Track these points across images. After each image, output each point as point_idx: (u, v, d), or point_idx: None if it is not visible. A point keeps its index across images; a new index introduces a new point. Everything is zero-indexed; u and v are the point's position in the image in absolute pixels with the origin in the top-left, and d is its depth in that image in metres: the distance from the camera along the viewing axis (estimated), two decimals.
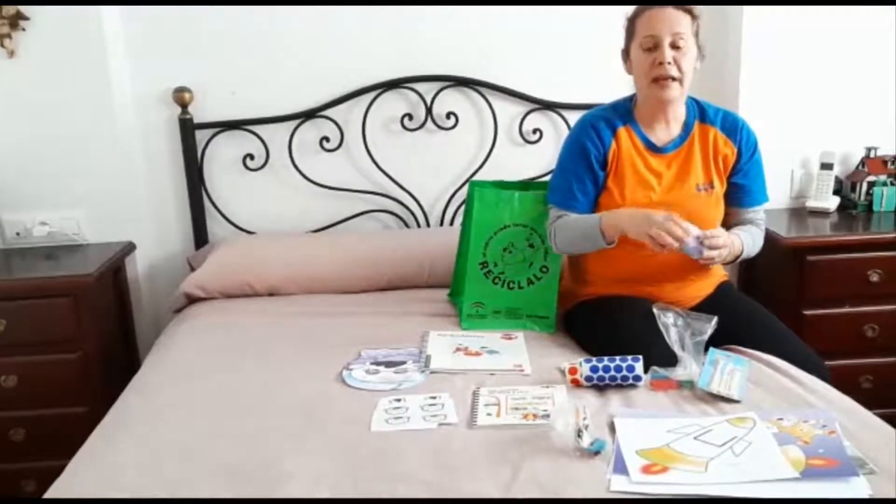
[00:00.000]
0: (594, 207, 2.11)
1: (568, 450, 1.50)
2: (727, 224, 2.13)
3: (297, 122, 2.76)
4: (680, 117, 2.09)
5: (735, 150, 2.08)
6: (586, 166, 2.07)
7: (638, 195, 2.06)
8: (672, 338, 1.81)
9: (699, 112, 2.10)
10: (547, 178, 2.27)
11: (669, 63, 1.96)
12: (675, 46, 1.97)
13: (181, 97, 2.66)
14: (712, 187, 2.07)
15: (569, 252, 2.17)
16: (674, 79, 1.97)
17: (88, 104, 2.59)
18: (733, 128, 2.09)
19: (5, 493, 2.40)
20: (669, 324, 1.82)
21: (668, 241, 1.84)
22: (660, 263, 2.08)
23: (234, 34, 2.70)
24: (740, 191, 2.11)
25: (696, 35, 2.01)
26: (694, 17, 2.00)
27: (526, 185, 2.36)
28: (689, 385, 1.77)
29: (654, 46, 1.98)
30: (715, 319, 1.81)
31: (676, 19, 1.97)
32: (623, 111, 2.10)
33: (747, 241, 2.07)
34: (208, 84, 2.71)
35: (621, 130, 2.08)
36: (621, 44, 2.09)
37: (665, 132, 2.08)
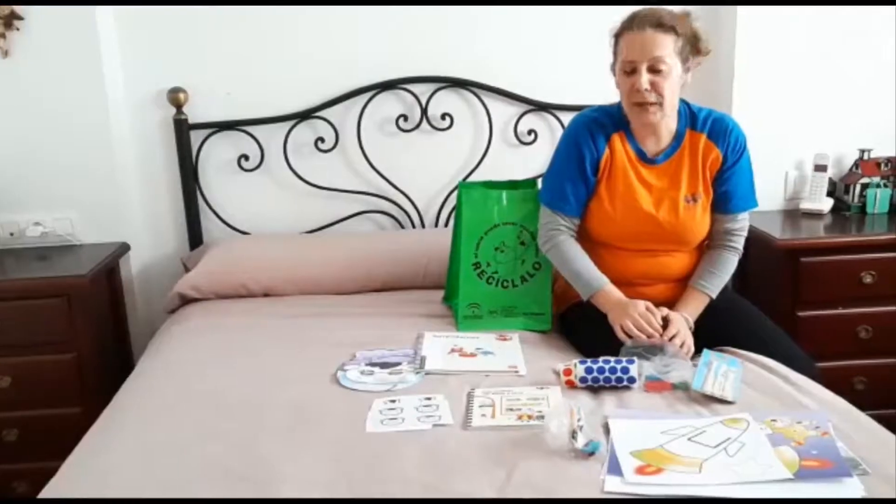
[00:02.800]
0: (583, 212, 2.12)
1: (562, 451, 1.50)
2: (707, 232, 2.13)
3: (292, 122, 2.76)
4: (671, 127, 2.07)
5: (721, 155, 2.05)
6: (580, 169, 2.07)
7: (628, 206, 2.06)
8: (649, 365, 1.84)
9: (690, 119, 2.07)
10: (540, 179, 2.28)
11: (647, 90, 1.94)
12: (653, 70, 1.94)
13: (176, 98, 2.65)
14: (696, 200, 2.07)
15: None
16: (652, 103, 1.95)
17: (83, 104, 2.58)
18: (721, 132, 2.06)
19: None
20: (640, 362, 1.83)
21: (636, 334, 1.92)
22: (653, 265, 2.10)
23: (229, 35, 2.69)
24: (722, 197, 2.09)
25: (682, 52, 1.96)
26: (678, 34, 1.94)
27: (514, 183, 2.36)
28: (683, 386, 1.77)
29: (632, 71, 1.96)
30: (675, 347, 1.88)
31: (655, 43, 1.92)
32: (617, 117, 2.08)
33: (711, 286, 2.07)
34: (203, 84, 2.71)
35: (615, 137, 2.07)
36: (610, 58, 2.07)
37: (655, 143, 2.07)
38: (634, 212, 2.06)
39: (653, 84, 1.94)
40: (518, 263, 2.25)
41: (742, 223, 2.13)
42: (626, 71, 1.97)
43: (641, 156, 2.07)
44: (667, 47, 1.93)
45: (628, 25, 1.97)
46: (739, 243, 2.13)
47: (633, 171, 2.07)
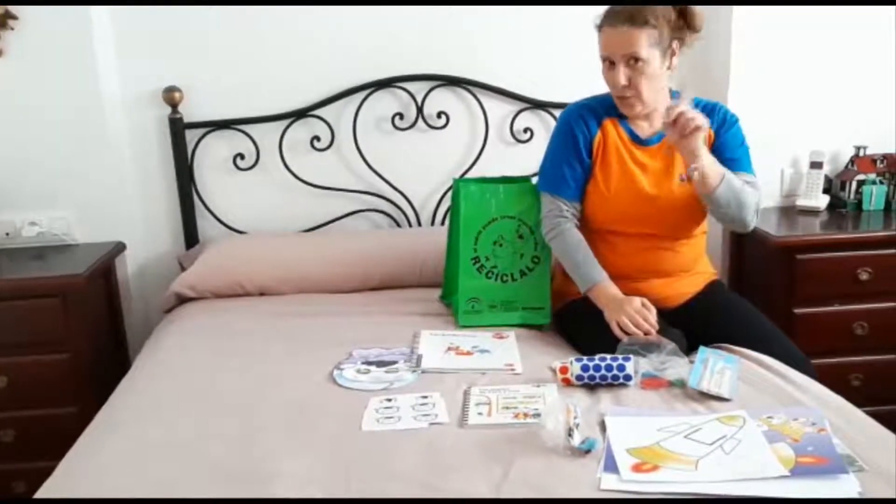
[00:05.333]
0: (582, 196, 2.13)
1: (559, 448, 1.50)
2: None
3: (287, 121, 2.76)
4: (663, 110, 2.08)
5: (712, 132, 2.07)
6: (575, 152, 2.10)
7: (624, 186, 2.08)
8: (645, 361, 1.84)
9: None
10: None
11: (625, 85, 1.98)
12: (630, 65, 1.97)
13: (171, 97, 2.65)
14: (690, 179, 2.06)
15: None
16: (630, 97, 1.99)
17: (78, 104, 2.58)
18: (711, 110, 2.08)
19: None
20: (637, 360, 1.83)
21: (632, 330, 1.91)
22: (649, 258, 2.10)
23: (224, 33, 2.69)
24: (721, 162, 2.02)
25: (661, 42, 1.95)
26: (653, 26, 1.94)
27: (508, 180, 2.36)
28: (679, 384, 1.77)
29: (610, 65, 2.00)
30: (671, 345, 1.86)
31: (628, 39, 1.94)
32: (608, 104, 2.11)
33: (733, 175, 1.99)
34: (198, 83, 2.70)
35: (607, 122, 2.10)
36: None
37: (648, 126, 2.10)
38: (630, 192, 2.07)
39: (630, 79, 1.97)
40: (517, 257, 2.24)
41: (751, 179, 2.07)
42: (606, 61, 2.01)
43: (634, 138, 2.10)
44: (640, 42, 1.94)
45: (606, 19, 2.00)
46: (756, 188, 2.06)
47: (628, 153, 2.09)
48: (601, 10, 2.03)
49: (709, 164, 1.94)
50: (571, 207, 2.13)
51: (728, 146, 2.08)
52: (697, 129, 1.88)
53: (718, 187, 1.96)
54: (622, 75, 1.97)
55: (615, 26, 1.96)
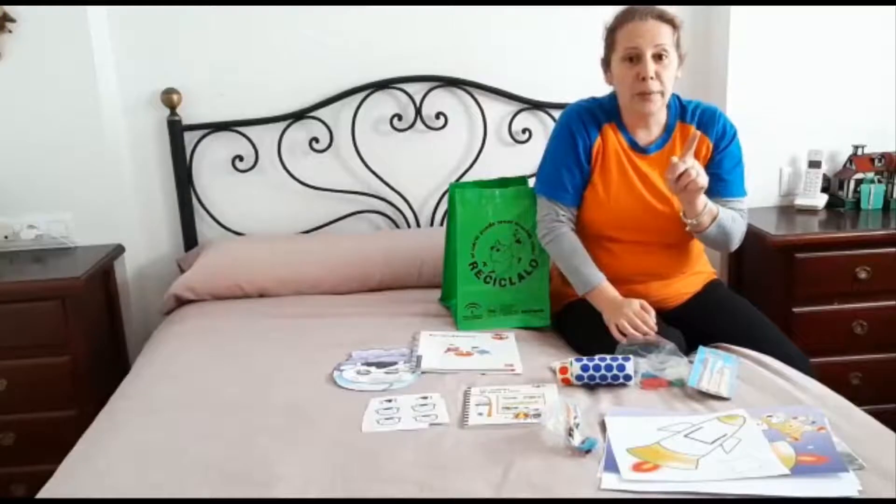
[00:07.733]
0: (580, 201, 2.12)
1: (559, 448, 1.50)
2: None
3: (286, 123, 2.76)
4: (661, 119, 2.09)
5: (711, 143, 2.06)
6: (574, 157, 2.09)
7: (623, 192, 2.07)
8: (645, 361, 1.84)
9: (680, 111, 2.09)
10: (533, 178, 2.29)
11: (652, 78, 1.96)
12: (657, 58, 1.97)
13: (169, 99, 2.65)
14: None
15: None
16: (654, 92, 1.97)
17: (76, 106, 2.58)
18: (710, 120, 2.07)
19: None
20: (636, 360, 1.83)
21: (631, 333, 1.91)
22: (647, 262, 2.10)
23: (222, 35, 2.69)
24: (715, 180, 2.03)
25: (677, 45, 2.00)
26: (675, 26, 1.99)
27: (505, 181, 2.36)
28: (679, 383, 1.77)
29: (636, 59, 1.97)
30: (670, 345, 1.86)
31: (658, 31, 1.96)
32: (608, 109, 2.11)
33: (724, 213, 2.01)
34: (197, 85, 2.70)
35: (607, 127, 2.09)
36: (601, 53, 2.09)
37: (646, 134, 2.09)
38: (630, 200, 2.07)
39: (656, 72, 1.96)
40: (515, 261, 2.24)
41: (739, 205, 2.09)
42: (629, 59, 1.98)
43: (634, 145, 2.09)
44: (668, 37, 1.97)
45: (629, 16, 1.99)
46: (743, 216, 2.08)
47: (627, 160, 2.08)
48: (603, 9, 2.04)
49: (703, 212, 1.96)
50: (568, 212, 2.13)
51: (724, 166, 2.07)
52: (700, 189, 1.90)
53: (709, 228, 1.99)
54: (651, 67, 1.95)
55: (644, 20, 1.97)
